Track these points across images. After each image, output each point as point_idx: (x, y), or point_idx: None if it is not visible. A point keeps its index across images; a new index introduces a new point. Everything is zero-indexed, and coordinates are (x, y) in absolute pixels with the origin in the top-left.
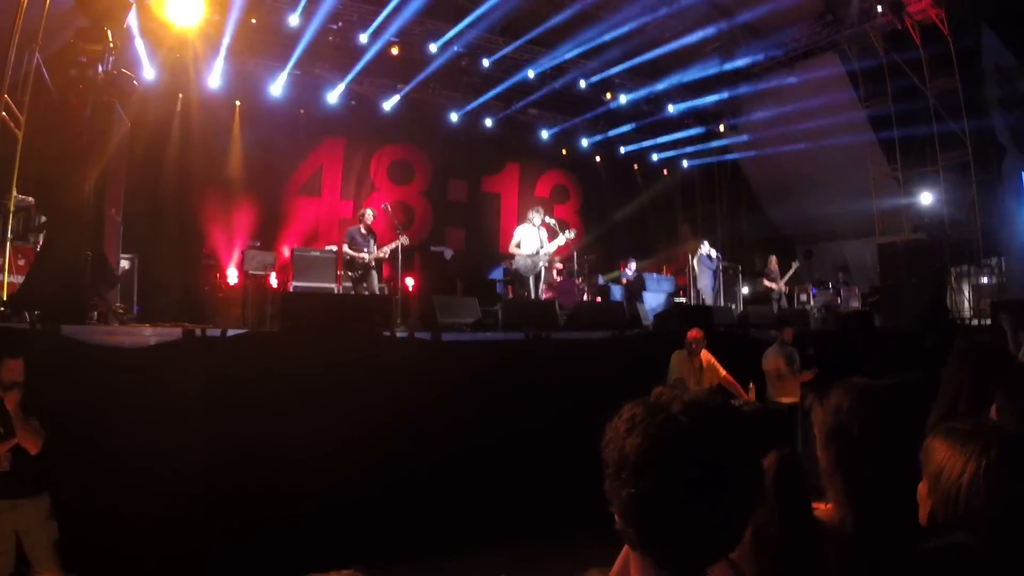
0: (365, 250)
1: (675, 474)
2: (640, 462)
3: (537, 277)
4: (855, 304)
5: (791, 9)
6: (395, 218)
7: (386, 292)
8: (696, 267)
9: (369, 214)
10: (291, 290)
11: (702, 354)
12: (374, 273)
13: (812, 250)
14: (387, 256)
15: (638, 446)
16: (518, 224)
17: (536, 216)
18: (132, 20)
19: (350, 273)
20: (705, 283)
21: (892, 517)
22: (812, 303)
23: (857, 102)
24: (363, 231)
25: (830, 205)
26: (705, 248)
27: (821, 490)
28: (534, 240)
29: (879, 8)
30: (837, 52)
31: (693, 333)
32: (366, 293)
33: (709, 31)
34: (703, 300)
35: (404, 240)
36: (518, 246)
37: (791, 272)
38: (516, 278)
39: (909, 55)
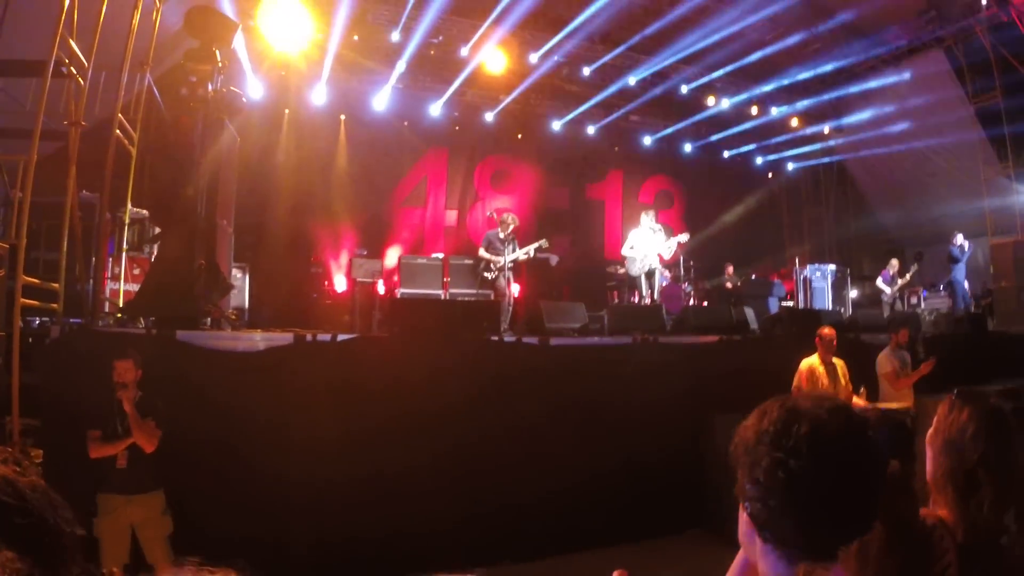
0: (502, 254)
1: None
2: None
3: (650, 278)
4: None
5: (892, 7)
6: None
7: (492, 299)
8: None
9: (509, 219)
10: (397, 296)
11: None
12: (505, 277)
13: (922, 252)
14: (530, 256)
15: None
16: (623, 229)
17: (647, 219)
18: (239, 40)
19: (485, 275)
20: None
21: (1001, 528)
22: (923, 306)
23: (965, 99)
24: (501, 235)
25: (939, 205)
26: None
27: (926, 493)
28: (646, 242)
29: (983, 1)
30: (942, 48)
31: (829, 331)
32: (493, 297)
33: (809, 32)
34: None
35: (544, 243)
36: (632, 248)
37: (911, 273)
38: (628, 281)
39: (1017, 48)
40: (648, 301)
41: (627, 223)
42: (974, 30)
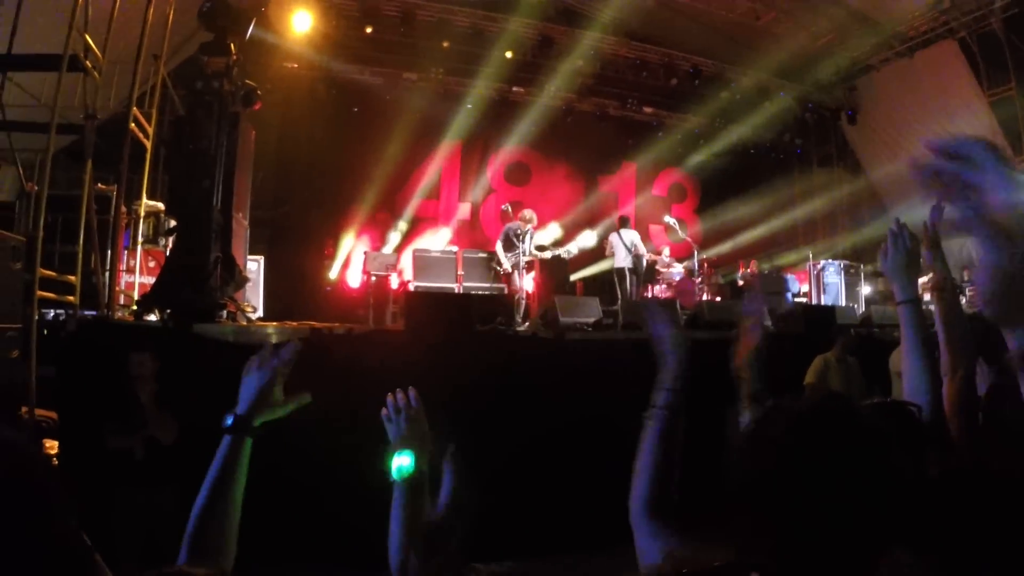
0: (518, 248)
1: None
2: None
3: (638, 277)
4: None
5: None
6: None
7: (505, 292)
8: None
9: (528, 214)
10: (412, 290)
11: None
12: (519, 273)
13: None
14: (547, 257)
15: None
16: (637, 223)
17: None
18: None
19: (498, 269)
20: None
21: None
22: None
23: (979, 90)
24: (519, 231)
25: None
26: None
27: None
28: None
29: None
30: (956, 39)
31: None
32: (506, 291)
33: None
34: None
35: (570, 251)
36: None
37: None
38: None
39: None
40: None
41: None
42: (988, 20)
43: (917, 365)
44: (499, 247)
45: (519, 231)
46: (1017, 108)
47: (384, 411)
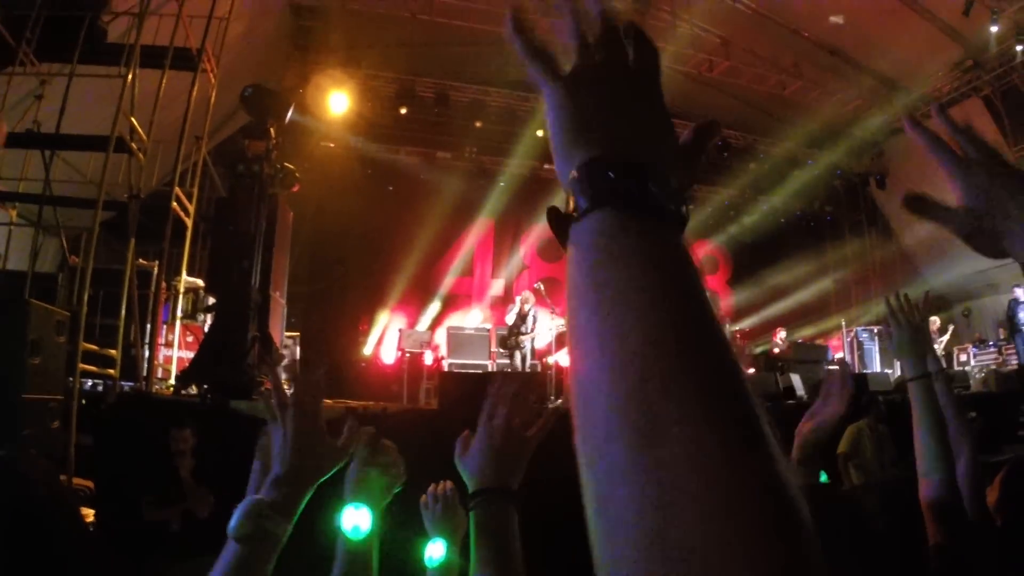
0: (521, 330)
1: None
2: None
3: None
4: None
5: (928, 59)
6: (550, 299)
7: (539, 368)
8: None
9: (527, 296)
10: (445, 368)
11: None
12: (521, 353)
13: (970, 307)
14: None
15: None
16: None
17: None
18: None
19: (502, 350)
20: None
21: None
22: (972, 363)
23: (1006, 146)
24: (520, 313)
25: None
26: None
27: None
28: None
29: (1019, 48)
30: (980, 97)
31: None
32: (539, 367)
33: (848, 91)
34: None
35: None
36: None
37: (949, 333)
38: None
39: None
40: None
41: None
42: (1011, 77)
43: (928, 443)
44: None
45: (520, 313)
46: None
47: (423, 499)
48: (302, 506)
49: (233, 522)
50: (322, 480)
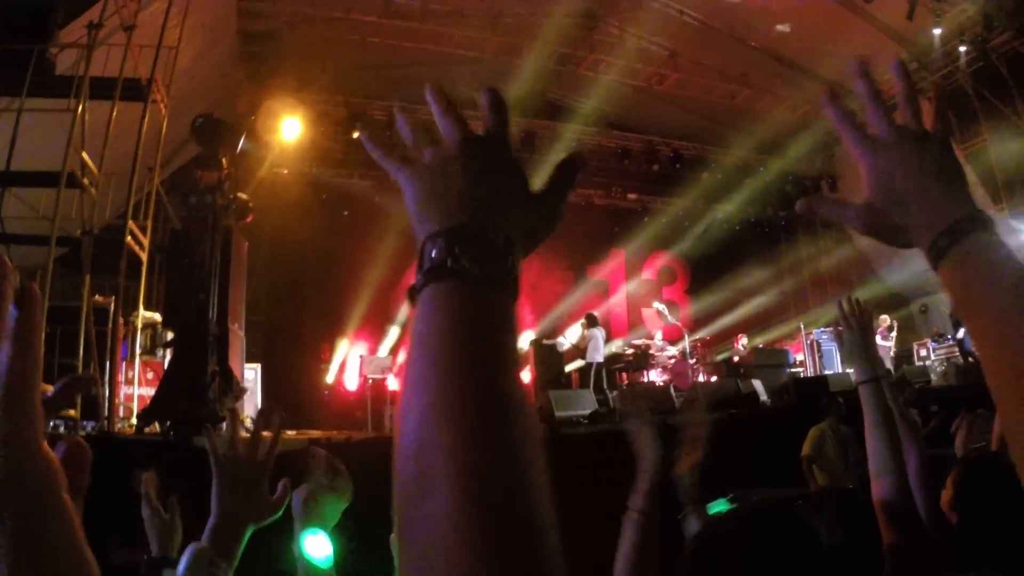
0: None
1: None
2: None
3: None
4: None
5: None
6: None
7: None
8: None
9: None
10: None
11: None
12: None
13: (927, 304)
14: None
15: None
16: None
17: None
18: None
19: None
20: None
21: None
22: (932, 357)
23: (955, 145)
24: None
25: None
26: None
27: None
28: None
29: (962, 49)
30: (926, 97)
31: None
32: None
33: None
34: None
35: (559, 344)
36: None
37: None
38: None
39: (1001, 90)
40: None
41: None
42: (956, 77)
43: (879, 445)
44: None
45: None
46: (991, 158)
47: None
48: (241, 549)
49: (181, 568)
50: (257, 528)
